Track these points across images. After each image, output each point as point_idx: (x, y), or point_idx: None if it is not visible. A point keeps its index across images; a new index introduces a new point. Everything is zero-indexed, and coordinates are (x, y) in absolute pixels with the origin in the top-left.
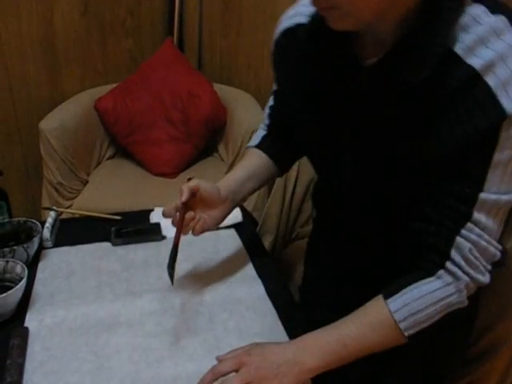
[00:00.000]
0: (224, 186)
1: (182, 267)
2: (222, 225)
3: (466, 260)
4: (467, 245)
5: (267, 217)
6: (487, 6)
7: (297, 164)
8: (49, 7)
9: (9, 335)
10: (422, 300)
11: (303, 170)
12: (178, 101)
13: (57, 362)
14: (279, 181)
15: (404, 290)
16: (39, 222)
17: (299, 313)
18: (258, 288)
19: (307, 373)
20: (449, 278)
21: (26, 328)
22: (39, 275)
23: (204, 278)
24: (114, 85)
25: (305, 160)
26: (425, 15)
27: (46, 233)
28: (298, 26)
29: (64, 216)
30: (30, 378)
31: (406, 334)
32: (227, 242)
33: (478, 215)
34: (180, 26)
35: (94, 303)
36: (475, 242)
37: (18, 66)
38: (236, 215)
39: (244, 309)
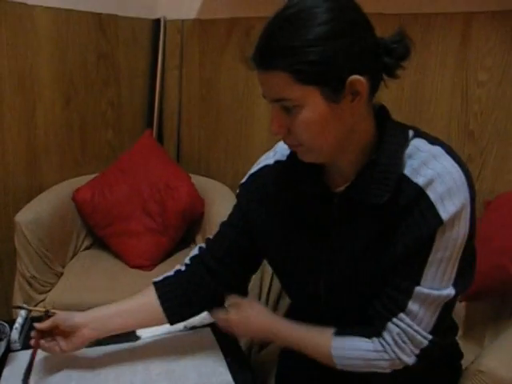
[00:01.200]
0: (86, 317)
1: (156, 370)
2: (198, 323)
3: (395, 342)
4: (397, 330)
5: None
6: (425, 139)
7: None
8: (31, 102)
9: None
10: (355, 351)
11: None
12: (156, 192)
13: None
14: (255, 278)
15: (348, 337)
16: (9, 321)
17: None
18: None
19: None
20: (380, 347)
21: None
22: (3, 383)
23: (178, 381)
24: (93, 175)
25: None
26: (379, 150)
27: (15, 334)
28: (265, 167)
29: (36, 312)
30: None
31: (336, 365)
32: (202, 342)
33: (411, 306)
34: (160, 118)
35: None
36: (404, 330)
37: None
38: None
39: None
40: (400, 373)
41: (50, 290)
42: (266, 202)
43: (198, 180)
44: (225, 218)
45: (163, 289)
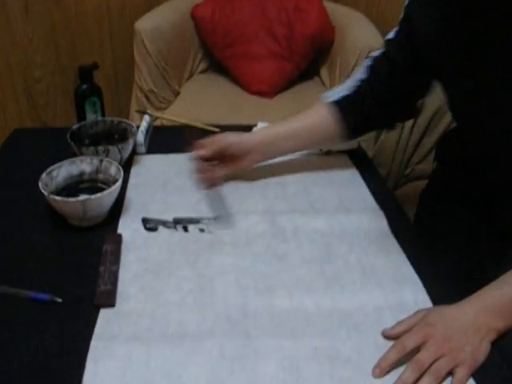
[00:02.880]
0: (255, 139)
1: (291, 188)
2: (335, 149)
3: None
4: None
5: (382, 149)
6: None
7: None
8: None
9: (101, 241)
10: None
11: (428, 101)
12: (283, 14)
13: (154, 276)
14: None
15: None
16: None
17: (427, 253)
18: (380, 221)
19: (494, 334)
20: None
21: (120, 235)
22: (131, 181)
23: (317, 202)
24: None
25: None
26: None
27: (140, 137)
28: None
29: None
30: (125, 288)
31: None
32: (340, 167)
33: None
34: None
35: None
36: None
37: None
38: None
39: (366, 243)
40: None
41: (166, 108)
42: (444, 15)
43: (327, 5)
44: (391, 36)
45: (341, 106)
